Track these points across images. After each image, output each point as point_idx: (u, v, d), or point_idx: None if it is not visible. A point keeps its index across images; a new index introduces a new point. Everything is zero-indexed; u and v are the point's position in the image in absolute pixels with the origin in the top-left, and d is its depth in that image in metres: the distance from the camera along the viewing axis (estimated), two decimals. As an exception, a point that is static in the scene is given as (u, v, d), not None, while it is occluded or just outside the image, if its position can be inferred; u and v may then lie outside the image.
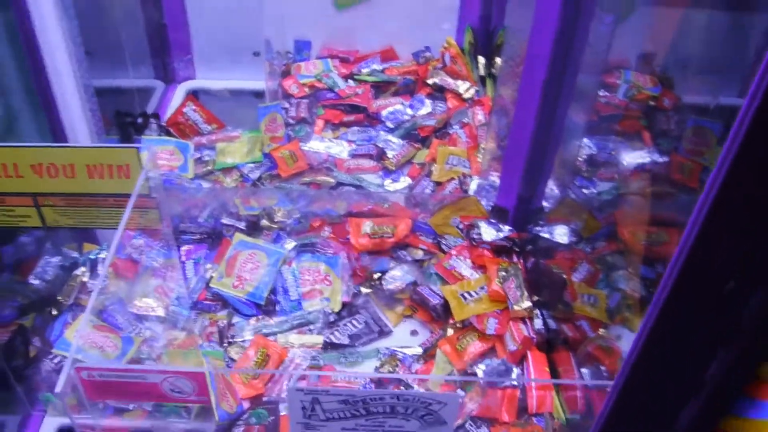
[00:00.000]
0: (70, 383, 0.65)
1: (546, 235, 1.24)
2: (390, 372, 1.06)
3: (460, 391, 1.04)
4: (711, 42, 1.54)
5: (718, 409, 0.60)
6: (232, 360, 1.07)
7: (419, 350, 1.11)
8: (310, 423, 0.68)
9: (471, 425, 1.00)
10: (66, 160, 0.84)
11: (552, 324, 1.10)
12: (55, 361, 0.99)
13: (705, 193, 0.50)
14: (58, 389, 0.63)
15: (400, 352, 1.11)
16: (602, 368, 1.07)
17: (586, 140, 1.45)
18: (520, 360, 1.06)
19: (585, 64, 1.20)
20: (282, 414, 1.00)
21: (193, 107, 1.45)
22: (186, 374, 0.64)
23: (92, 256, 1.14)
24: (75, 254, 1.16)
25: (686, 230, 0.52)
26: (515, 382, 1.03)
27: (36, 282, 1.09)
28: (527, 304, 1.08)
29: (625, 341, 1.16)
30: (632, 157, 1.53)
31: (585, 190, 1.44)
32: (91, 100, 1.19)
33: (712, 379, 0.58)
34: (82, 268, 1.13)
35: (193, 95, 1.56)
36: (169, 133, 1.43)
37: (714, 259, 0.51)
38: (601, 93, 1.52)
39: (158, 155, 1.36)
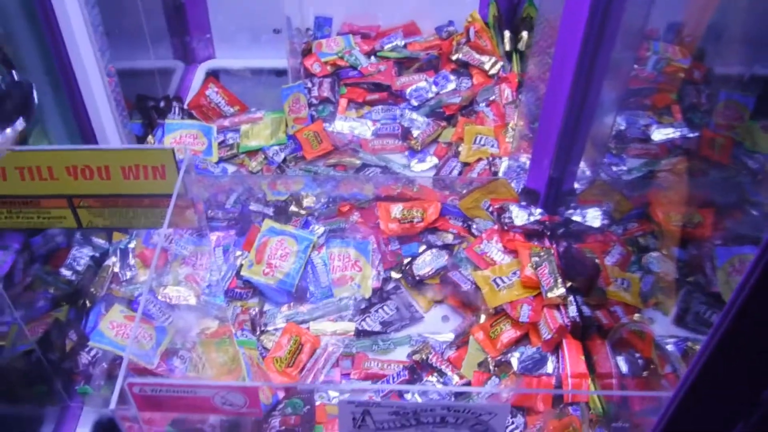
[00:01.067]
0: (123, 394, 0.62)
1: (578, 218, 1.19)
2: (423, 359, 1.03)
3: (494, 379, 1.01)
4: (744, 10, 1.44)
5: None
6: (265, 349, 1.04)
7: (451, 336, 1.08)
8: None
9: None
10: (101, 162, 0.80)
11: (586, 311, 1.06)
12: (92, 353, 0.97)
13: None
14: (112, 406, 0.60)
15: (432, 338, 1.08)
16: (637, 355, 1.04)
17: (616, 118, 1.38)
18: (555, 348, 1.02)
19: (620, 37, 1.12)
20: (317, 403, 0.98)
21: (215, 89, 1.40)
22: (239, 389, 0.61)
23: (122, 246, 1.11)
24: (104, 244, 1.13)
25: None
26: (549, 371, 1.00)
27: (68, 273, 1.06)
28: (561, 291, 1.04)
29: (659, 326, 1.13)
30: (662, 133, 1.46)
31: (614, 168, 1.38)
32: (114, 86, 1.14)
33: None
34: (113, 258, 1.10)
35: (214, 76, 1.50)
36: (191, 116, 1.38)
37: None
38: (633, 67, 1.44)
39: (181, 139, 1.31)
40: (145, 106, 1.34)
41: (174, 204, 0.80)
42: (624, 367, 1.02)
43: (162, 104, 1.35)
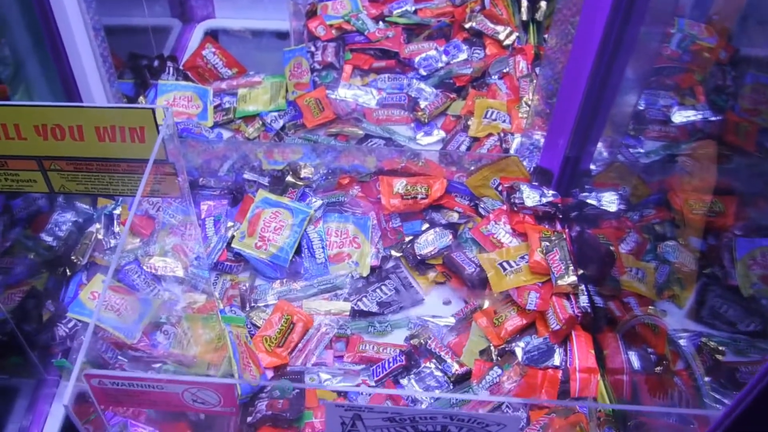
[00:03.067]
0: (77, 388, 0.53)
1: (593, 201, 1.09)
2: (421, 344, 0.95)
3: (496, 369, 0.92)
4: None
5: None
6: (255, 326, 0.96)
7: (452, 321, 1.00)
8: (348, 437, 0.56)
9: (507, 407, 0.88)
10: (73, 120, 0.70)
11: (598, 301, 0.96)
12: (69, 325, 0.88)
13: None
14: (65, 401, 0.52)
15: (432, 322, 0.99)
16: (649, 350, 0.95)
17: (638, 96, 1.26)
18: (563, 340, 0.93)
19: (650, 10, 1.00)
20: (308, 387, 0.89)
21: (213, 49, 1.28)
22: (211, 386, 0.52)
23: (107, 212, 1.02)
24: (89, 209, 1.03)
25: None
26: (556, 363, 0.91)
27: (48, 239, 0.97)
28: (572, 278, 0.94)
29: (672, 318, 1.04)
30: (683, 115, 1.35)
31: (632, 150, 1.27)
32: (101, 41, 1.03)
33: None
34: (97, 225, 1.01)
35: (212, 36, 1.38)
36: (186, 78, 1.27)
37: None
38: (656, 44, 1.32)
39: (175, 101, 1.21)
40: (138, 65, 1.23)
41: (151, 169, 0.70)
42: (636, 363, 0.93)
43: (156, 63, 1.25)
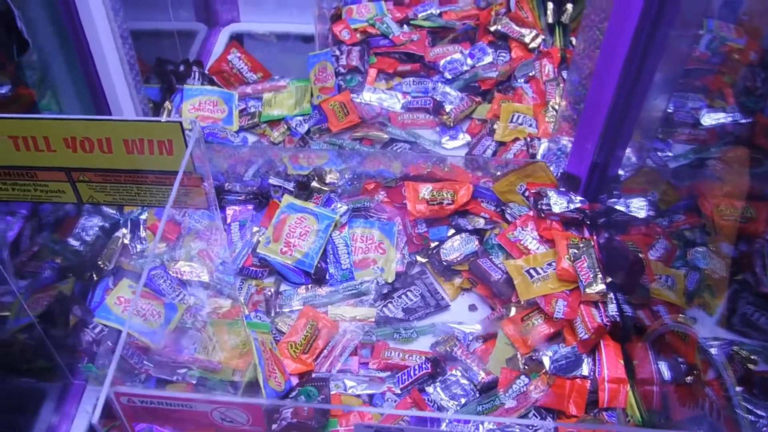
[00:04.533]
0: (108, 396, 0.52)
1: (621, 208, 1.05)
2: (447, 351, 0.92)
3: (523, 378, 0.90)
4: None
5: None
6: (280, 332, 0.95)
7: (478, 328, 0.97)
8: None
9: (535, 415, 0.86)
10: (102, 133, 0.70)
11: (627, 310, 0.93)
12: (96, 330, 0.88)
13: None
14: (94, 420, 0.51)
15: (458, 329, 0.97)
16: (679, 360, 0.92)
17: (668, 100, 1.22)
18: (592, 349, 0.90)
19: (680, 12, 0.97)
20: (333, 392, 0.88)
21: (238, 54, 1.27)
22: (240, 405, 0.50)
23: (133, 217, 1.02)
24: (115, 214, 1.03)
25: None
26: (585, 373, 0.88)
27: (75, 243, 0.97)
28: (601, 287, 0.91)
29: (702, 326, 1.00)
30: (712, 118, 1.30)
31: (660, 154, 1.23)
32: (128, 48, 1.02)
33: None
34: (123, 230, 1.01)
35: (237, 40, 1.37)
36: (212, 82, 1.26)
37: None
38: (685, 46, 1.28)
39: (200, 106, 1.20)
40: (164, 70, 1.23)
41: (180, 182, 0.69)
42: (666, 373, 0.90)
43: (181, 68, 1.24)
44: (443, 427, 0.78)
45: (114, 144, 0.70)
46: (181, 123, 0.67)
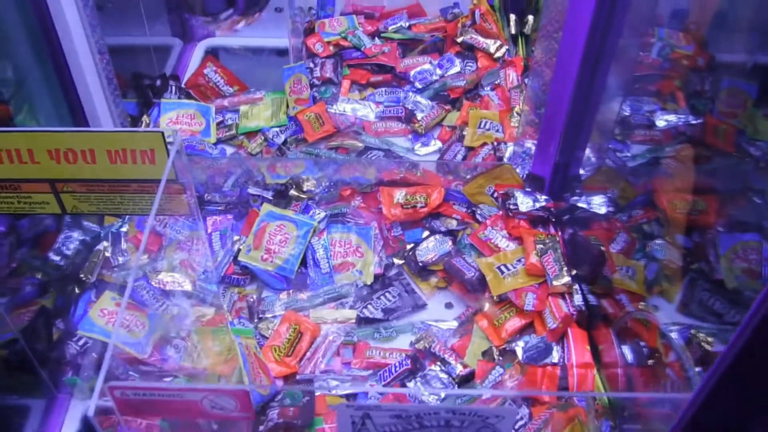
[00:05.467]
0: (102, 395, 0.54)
1: (583, 205, 1.11)
2: (426, 348, 0.96)
3: (498, 368, 0.94)
4: (749, -3, 1.35)
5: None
6: (264, 337, 0.96)
7: (455, 324, 1.01)
8: (360, 435, 0.57)
9: (510, 403, 0.90)
10: (85, 145, 0.71)
11: (592, 299, 0.98)
12: (80, 343, 0.88)
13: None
14: (90, 413, 0.52)
15: (435, 326, 1.00)
16: (642, 344, 0.97)
17: (621, 103, 1.29)
18: (560, 337, 0.95)
19: (628, 22, 1.03)
20: (317, 393, 0.90)
21: (214, 68, 1.29)
22: (228, 392, 0.53)
23: (114, 230, 1.02)
24: (96, 227, 1.04)
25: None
26: (555, 361, 0.93)
27: (56, 258, 0.98)
28: (566, 279, 0.96)
29: (663, 313, 1.06)
30: (665, 120, 1.38)
31: (619, 154, 1.30)
32: (106, 63, 1.03)
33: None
34: (104, 243, 1.01)
35: (213, 54, 1.39)
36: (189, 96, 1.28)
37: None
38: (638, 53, 1.35)
39: (178, 119, 1.21)
40: (141, 85, 1.24)
41: (163, 190, 0.71)
42: (629, 356, 0.95)
43: (158, 83, 1.25)
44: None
45: (97, 154, 0.71)
46: (162, 133, 0.69)
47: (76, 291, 0.97)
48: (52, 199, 0.77)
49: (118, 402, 0.55)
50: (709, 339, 0.99)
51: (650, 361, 0.95)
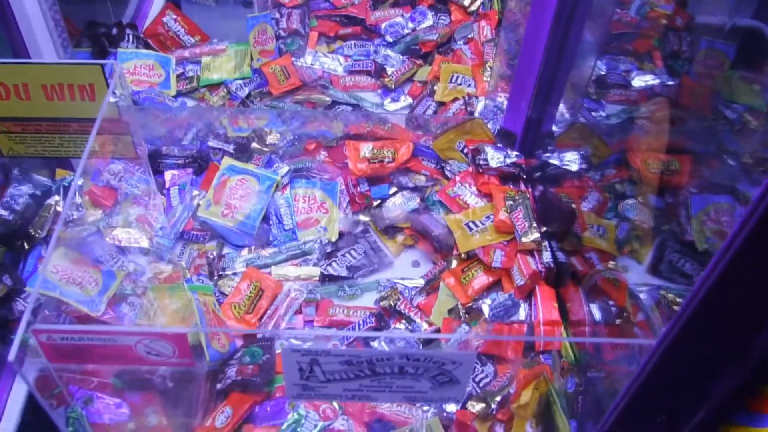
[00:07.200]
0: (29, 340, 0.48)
1: (555, 162, 1.06)
2: (391, 306, 0.92)
3: (464, 326, 0.90)
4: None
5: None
6: (223, 294, 0.91)
7: (421, 282, 0.96)
8: (308, 384, 0.53)
9: (476, 362, 0.86)
10: (18, 78, 0.64)
11: (561, 257, 0.94)
12: (28, 299, 0.82)
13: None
14: (11, 357, 0.47)
15: (401, 284, 0.96)
16: (610, 303, 0.94)
17: (597, 60, 1.23)
18: (528, 295, 0.91)
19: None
20: (278, 351, 0.86)
21: (174, 17, 1.20)
22: (163, 336, 0.47)
23: (66, 183, 0.95)
24: (47, 181, 0.96)
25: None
26: (521, 318, 0.89)
27: (4, 212, 0.90)
28: (535, 235, 0.92)
29: (633, 273, 1.03)
30: (642, 80, 1.33)
31: (594, 113, 1.25)
32: (51, 4, 0.94)
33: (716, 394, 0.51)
34: (56, 197, 0.94)
35: (174, 3, 1.30)
36: (147, 46, 1.19)
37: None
38: (615, 10, 1.29)
39: (135, 70, 1.13)
40: (96, 33, 1.15)
41: (105, 129, 0.65)
42: (597, 315, 0.92)
43: (114, 31, 1.16)
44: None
45: (32, 90, 0.64)
46: (102, 65, 0.62)
47: (26, 246, 0.91)
48: (-14, 141, 0.69)
49: (44, 347, 0.50)
50: (678, 300, 0.96)
51: (618, 321, 0.93)
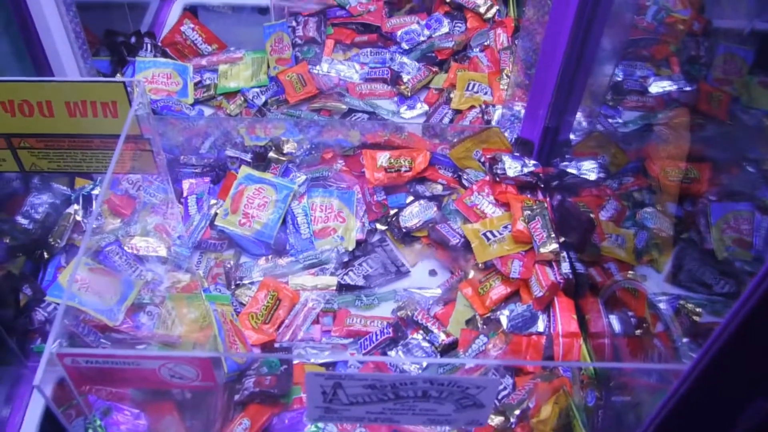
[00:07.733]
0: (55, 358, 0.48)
1: (573, 170, 1.04)
2: (408, 316, 0.91)
3: (482, 337, 0.89)
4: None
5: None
6: (241, 304, 0.91)
7: (438, 292, 0.95)
8: (331, 407, 0.52)
9: (494, 373, 0.85)
10: (42, 96, 0.64)
11: (579, 267, 0.93)
12: (48, 309, 0.82)
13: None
14: (36, 382, 0.46)
15: (419, 293, 0.95)
16: (629, 314, 0.92)
17: (614, 67, 1.21)
18: (547, 306, 0.90)
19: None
20: (295, 362, 0.85)
21: (192, 25, 1.20)
22: (187, 360, 0.47)
23: (85, 192, 0.95)
24: (66, 190, 0.96)
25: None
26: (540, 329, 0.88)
27: (24, 222, 0.90)
28: (554, 246, 0.90)
29: (651, 282, 1.01)
30: (659, 86, 1.31)
31: (611, 120, 1.23)
32: (72, 16, 0.94)
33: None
34: (75, 206, 0.94)
35: (191, 11, 1.29)
36: (165, 54, 1.19)
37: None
38: (632, 16, 1.27)
39: (153, 79, 1.13)
40: (114, 42, 1.15)
41: (126, 145, 0.64)
42: (617, 326, 0.90)
43: (133, 40, 1.16)
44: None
45: (55, 107, 0.64)
46: (124, 83, 0.62)
47: (45, 256, 0.91)
48: (9, 156, 0.70)
49: (69, 370, 0.50)
50: (698, 310, 0.94)
51: (638, 331, 0.91)
